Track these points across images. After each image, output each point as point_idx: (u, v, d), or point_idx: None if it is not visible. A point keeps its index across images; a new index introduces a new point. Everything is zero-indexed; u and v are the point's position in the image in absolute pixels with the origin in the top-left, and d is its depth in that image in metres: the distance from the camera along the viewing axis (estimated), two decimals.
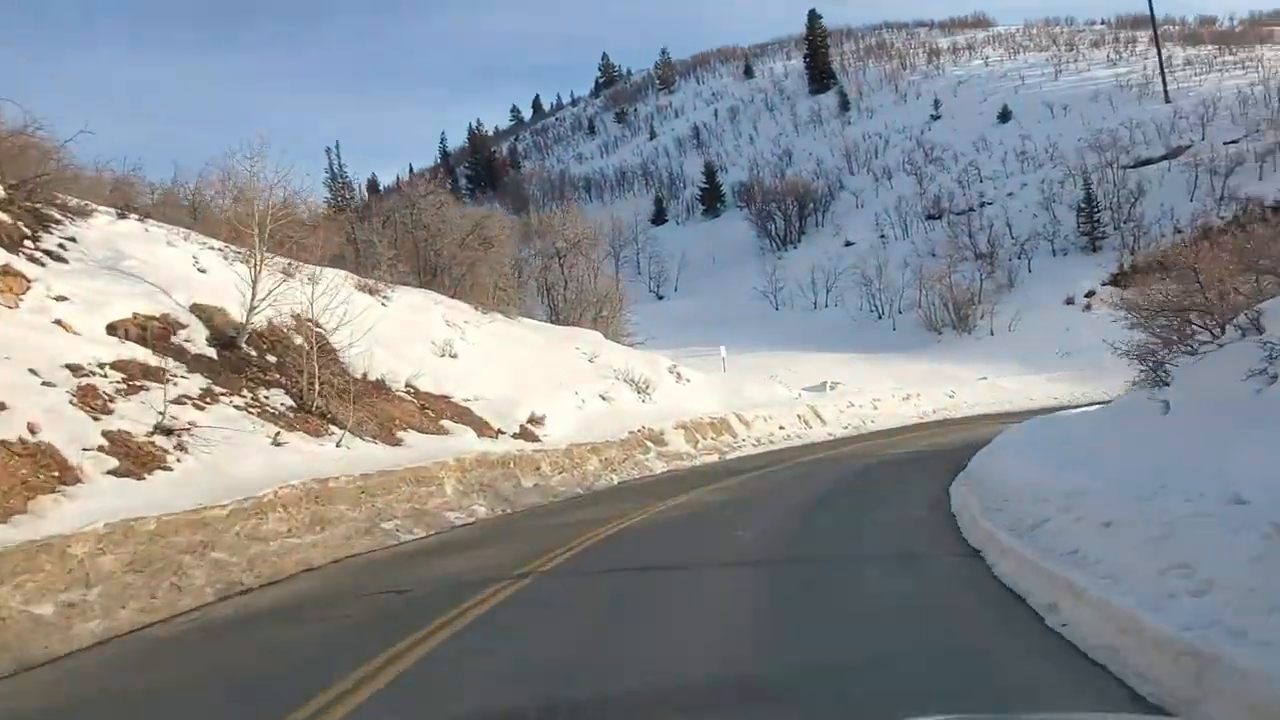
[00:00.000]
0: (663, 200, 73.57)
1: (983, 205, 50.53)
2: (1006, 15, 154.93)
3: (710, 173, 71.17)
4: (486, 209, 36.01)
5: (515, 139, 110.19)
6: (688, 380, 25.25)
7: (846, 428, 25.98)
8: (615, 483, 16.45)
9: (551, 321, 29.93)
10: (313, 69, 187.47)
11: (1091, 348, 38.86)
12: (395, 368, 17.23)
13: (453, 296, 23.20)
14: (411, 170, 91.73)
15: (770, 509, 10.98)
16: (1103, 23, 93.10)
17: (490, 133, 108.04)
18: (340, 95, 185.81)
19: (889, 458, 17.11)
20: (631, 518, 11.03)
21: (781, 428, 24.22)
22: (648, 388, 22.28)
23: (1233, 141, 48.34)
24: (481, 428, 17.40)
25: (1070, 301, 41.14)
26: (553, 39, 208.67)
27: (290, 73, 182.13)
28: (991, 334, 39.93)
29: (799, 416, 25.60)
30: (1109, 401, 18.96)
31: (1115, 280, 41.99)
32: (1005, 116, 63.25)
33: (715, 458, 19.99)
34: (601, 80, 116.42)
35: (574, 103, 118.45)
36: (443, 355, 18.79)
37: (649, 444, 19.40)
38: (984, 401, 31.54)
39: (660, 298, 56.81)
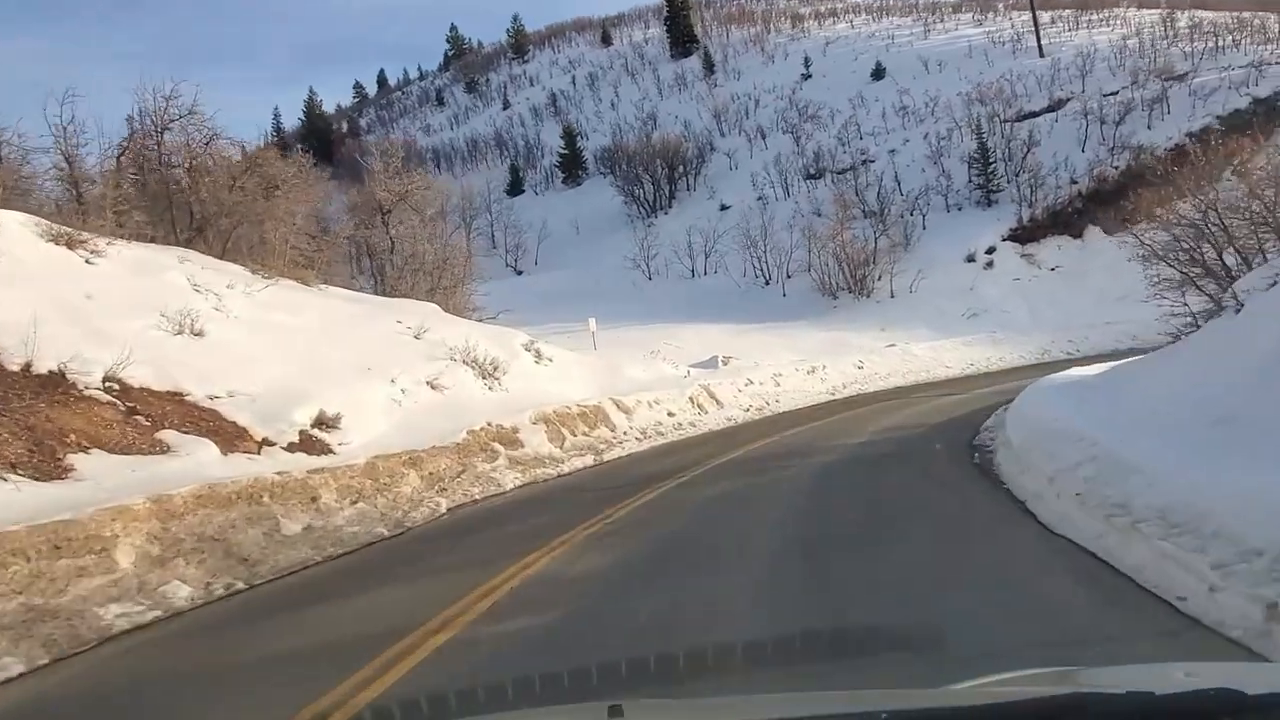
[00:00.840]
0: (519, 169, 67.19)
1: (866, 162, 46.72)
2: None
3: (570, 139, 65.24)
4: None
5: (358, 115, 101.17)
6: (550, 360, 19.71)
7: (748, 410, 21.43)
8: (443, 511, 10.81)
9: (378, 294, 23.81)
10: (144, 48, 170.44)
11: (998, 308, 35.59)
12: (89, 352, 11.02)
13: (222, 257, 16.88)
14: (245, 151, 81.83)
15: (721, 607, 5.47)
16: None
17: (331, 110, 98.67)
18: (175, 75, 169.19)
19: (845, 453, 11.92)
20: (442, 629, 5.39)
21: (671, 414, 19.21)
22: (496, 370, 16.62)
23: (1113, 93, 46.59)
24: (234, 439, 11.41)
25: (971, 259, 37.55)
26: (399, 14, 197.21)
27: (121, 50, 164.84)
28: (892, 296, 35.88)
29: (691, 399, 20.56)
30: (1130, 355, 14.54)
31: (1016, 235, 38.80)
32: (879, 74, 59.96)
33: (590, 460, 14.70)
34: (451, 53, 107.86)
35: (422, 76, 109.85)
36: (180, 333, 12.63)
37: (498, 446, 13.83)
38: (898, 371, 27.31)
39: (519, 272, 50.80)
